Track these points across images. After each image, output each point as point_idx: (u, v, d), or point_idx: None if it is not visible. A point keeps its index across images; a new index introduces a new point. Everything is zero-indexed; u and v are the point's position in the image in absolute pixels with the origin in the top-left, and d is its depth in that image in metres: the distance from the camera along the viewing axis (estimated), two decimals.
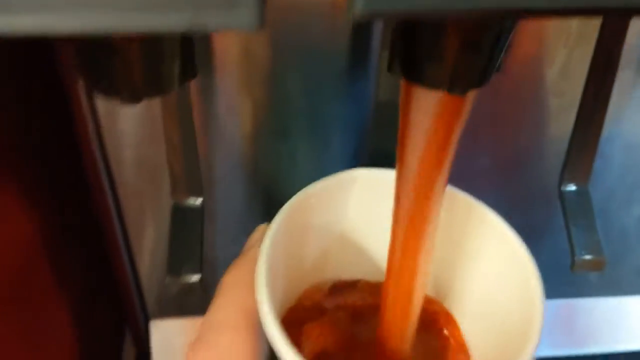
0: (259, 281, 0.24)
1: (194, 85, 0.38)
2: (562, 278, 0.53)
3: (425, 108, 0.23)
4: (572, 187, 0.36)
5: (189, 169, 0.33)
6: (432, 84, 0.22)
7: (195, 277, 0.33)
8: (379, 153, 0.37)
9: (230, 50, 0.37)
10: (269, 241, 0.26)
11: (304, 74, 0.39)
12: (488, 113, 0.41)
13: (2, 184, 0.37)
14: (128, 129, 0.41)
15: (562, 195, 0.36)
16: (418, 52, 0.22)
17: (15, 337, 0.39)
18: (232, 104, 0.40)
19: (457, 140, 0.24)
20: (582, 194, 0.36)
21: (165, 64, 0.22)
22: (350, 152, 0.42)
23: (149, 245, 0.48)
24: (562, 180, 0.36)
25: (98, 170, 0.43)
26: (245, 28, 0.16)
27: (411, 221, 0.25)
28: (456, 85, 0.22)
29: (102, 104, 0.40)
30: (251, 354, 0.24)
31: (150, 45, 0.21)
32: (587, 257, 0.34)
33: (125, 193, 0.44)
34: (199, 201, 0.35)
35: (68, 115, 0.41)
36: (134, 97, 0.23)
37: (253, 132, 0.41)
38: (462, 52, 0.21)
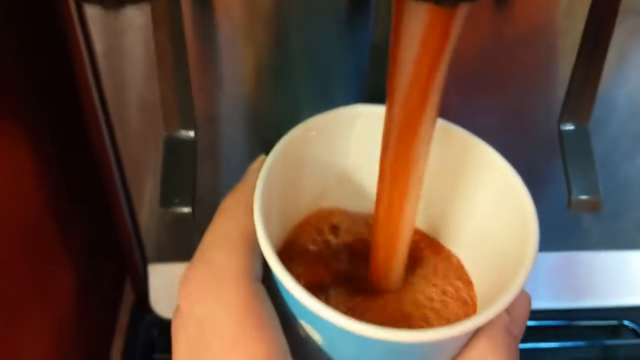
0: (256, 205, 0.25)
1: (188, 19, 0.37)
2: (562, 225, 0.53)
3: (415, 24, 0.22)
4: (570, 127, 0.35)
5: (181, 100, 0.33)
6: None
7: (187, 209, 0.33)
8: (378, 96, 0.37)
9: None
10: (267, 168, 0.26)
11: (304, 15, 0.38)
12: (490, 53, 0.40)
13: (4, 128, 0.38)
14: (125, 66, 0.41)
15: (561, 134, 0.35)
16: None
17: (24, 283, 0.40)
18: (229, 41, 0.39)
19: (448, 65, 0.23)
20: (581, 133, 0.35)
21: None
22: (349, 93, 0.42)
23: (148, 190, 0.48)
24: (561, 120, 0.35)
25: (96, 108, 0.43)
26: None
27: (400, 145, 0.25)
28: None
29: (100, 42, 0.39)
30: (245, 271, 0.24)
31: None
32: (584, 197, 0.34)
33: (123, 132, 0.44)
34: (191, 134, 0.34)
35: (67, 59, 0.41)
36: (117, 3, 0.22)
37: (251, 71, 0.40)
38: None
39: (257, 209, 0.24)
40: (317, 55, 0.40)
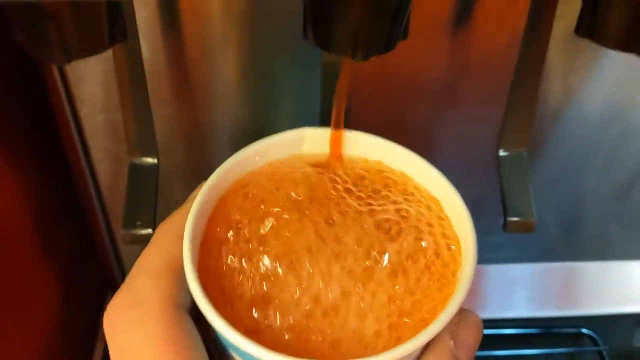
0: (186, 237, 0.25)
1: (147, 50, 0.40)
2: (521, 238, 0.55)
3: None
4: (507, 153, 0.38)
5: (142, 130, 0.36)
6: (337, 51, 0.24)
7: (147, 231, 0.36)
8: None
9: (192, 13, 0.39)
10: (200, 196, 0.27)
11: (260, 42, 0.41)
12: (439, 77, 0.43)
13: None
14: (98, 93, 0.43)
15: (498, 159, 0.38)
16: (322, 21, 0.24)
17: (6, 298, 0.42)
18: (190, 67, 0.42)
19: None
20: (518, 158, 0.37)
21: (93, 28, 0.24)
22: (307, 112, 0.44)
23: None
24: (499, 145, 0.38)
25: (72, 133, 0.46)
26: None
27: None
28: (358, 52, 0.24)
29: (72, 73, 0.42)
30: (166, 299, 0.24)
31: (75, 11, 0.23)
32: (516, 218, 0.36)
33: (99, 155, 0.47)
34: (154, 160, 0.37)
35: (43, 86, 0.43)
36: (65, 58, 0.25)
37: (210, 95, 0.43)
38: (361, 21, 0.23)
39: (186, 240, 0.25)
40: (275, 76, 0.43)
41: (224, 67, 0.42)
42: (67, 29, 0.23)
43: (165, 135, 0.44)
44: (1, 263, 0.42)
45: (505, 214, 0.36)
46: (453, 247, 0.27)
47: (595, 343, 0.57)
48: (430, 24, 0.40)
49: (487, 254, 0.57)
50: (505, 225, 0.36)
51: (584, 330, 0.58)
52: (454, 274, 0.26)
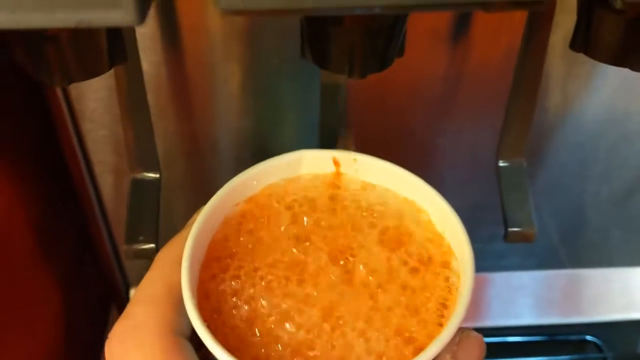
0: (184, 264, 0.25)
1: (149, 65, 0.40)
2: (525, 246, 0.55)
3: None
4: (506, 163, 0.38)
5: (143, 147, 0.36)
6: (334, 69, 0.25)
7: (150, 246, 0.36)
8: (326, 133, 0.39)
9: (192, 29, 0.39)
10: (198, 223, 0.27)
11: (260, 57, 0.41)
12: (440, 88, 0.43)
13: None
14: (99, 108, 0.44)
15: (498, 169, 0.38)
16: (318, 40, 0.24)
17: (7, 308, 0.42)
18: (191, 82, 0.42)
19: None
20: (517, 168, 0.38)
21: (93, 52, 0.25)
22: (304, 130, 0.45)
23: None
24: (498, 156, 0.38)
25: (75, 150, 0.46)
26: (127, 24, 0.18)
27: None
28: (355, 70, 0.24)
29: (74, 89, 0.42)
30: (165, 325, 0.25)
31: (75, 37, 0.24)
32: (517, 229, 0.36)
33: (101, 168, 0.48)
34: (155, 175, 0.37)
35: (45, 101, 0.44)
36: (66, 81, 0.25)
37: (211, 110, 0.43)
38: (356, 41, 0.23)
39: (184, 266, 0.25)
40: (275, 91, 0.43)
41: (225, 82, 0.42)
42: (67, 54, 0.24)
43: (167, 150, 0.44)
44: (4, 273, 0.42)
45: (506, 225, 0.37)
46: (452, 266, 0.27)
47: (600, 350, 0.57)
48: (429, 37, 0.40)
49: (490, 261, 0.57)
50: (506, 235, 0.37)
51: (588, 337, 0.58)
52: (451, 291, 0.26)
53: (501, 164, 0.38)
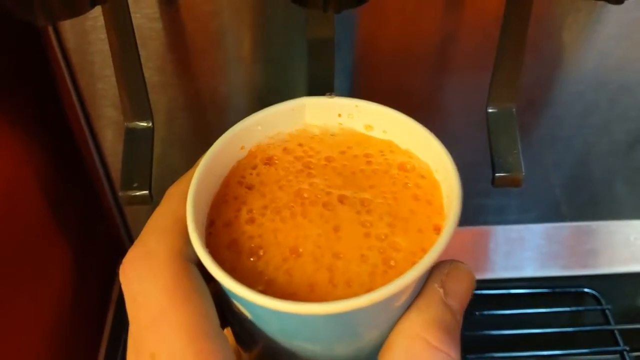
0: (189, 200, 0.27)
1: (144, 18, 0.41)
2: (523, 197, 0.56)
3: None
4: (495, 109, 0.38)
5: (135, 95, 0.36)
6: (310, 5, 0.25)
7: (143, 192, 0.37)
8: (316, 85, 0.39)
9: None
10: (204, 161, 0.28)
11: (258, 15, 0.41)
12: (435, 41, 0.43)
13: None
14: (96, 62, 0.44)
15: (487, 116, 0.38)
16: None
17: (17, 272, 0.44)
18: (188, 36, 0.43)
19: None
20: (506, 114, 0.38)
21: None
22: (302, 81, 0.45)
23: None
24: (488, 102, 0.38)
25: (73, 102, 0.47)
26: None
27: None
28: (330, 4, 0.24)
29: (71, 42, 0.43)
30: (174, 252, 0.26)
31: None
32: (504, 173, 0.37)
33: (100, 123, 0.48)
34: (149, 124, 0.38)
35: (44, 56, 0.44)
36: (49, 19, 0.26)
37: (210, 64, 0.43)
38: None
39: (189, 202, 0.26)
40: (270, 49, 0.43)
41: (223, 36, 0.42)
42: None
43: (166, 104, 0.45)
44: (13, 231, 0.43)
45: (494, 170, 0.37)
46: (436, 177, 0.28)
47: (599, 302, 0.57)
48: None
49: (491, 215, 0.58)
50: (494, 180, 0.37)
51: (588, 290, 0.58)
52: (439, 212, 0.27)
53: (490, 109, 0.38)
